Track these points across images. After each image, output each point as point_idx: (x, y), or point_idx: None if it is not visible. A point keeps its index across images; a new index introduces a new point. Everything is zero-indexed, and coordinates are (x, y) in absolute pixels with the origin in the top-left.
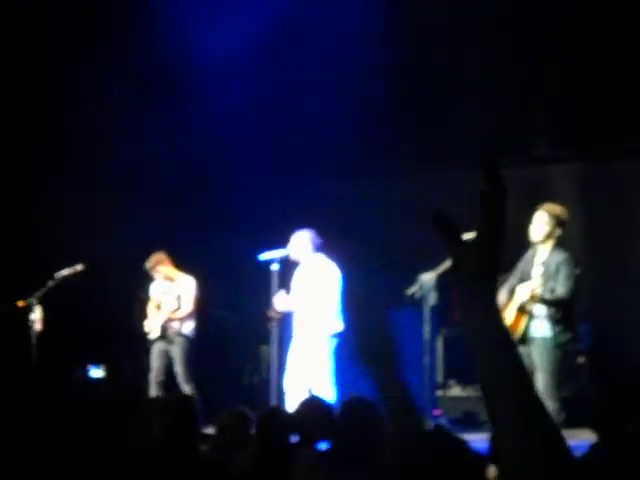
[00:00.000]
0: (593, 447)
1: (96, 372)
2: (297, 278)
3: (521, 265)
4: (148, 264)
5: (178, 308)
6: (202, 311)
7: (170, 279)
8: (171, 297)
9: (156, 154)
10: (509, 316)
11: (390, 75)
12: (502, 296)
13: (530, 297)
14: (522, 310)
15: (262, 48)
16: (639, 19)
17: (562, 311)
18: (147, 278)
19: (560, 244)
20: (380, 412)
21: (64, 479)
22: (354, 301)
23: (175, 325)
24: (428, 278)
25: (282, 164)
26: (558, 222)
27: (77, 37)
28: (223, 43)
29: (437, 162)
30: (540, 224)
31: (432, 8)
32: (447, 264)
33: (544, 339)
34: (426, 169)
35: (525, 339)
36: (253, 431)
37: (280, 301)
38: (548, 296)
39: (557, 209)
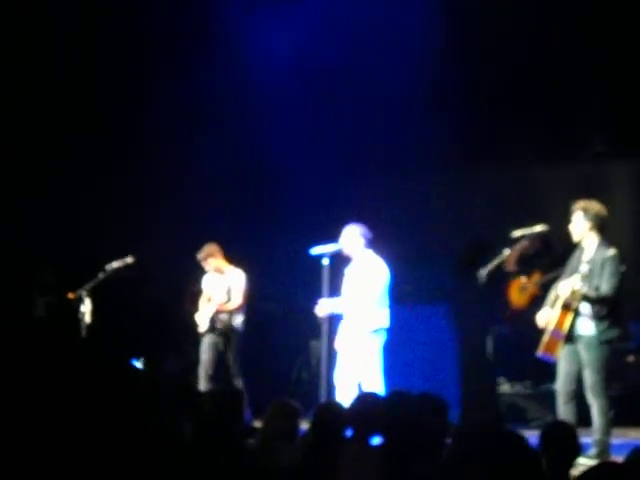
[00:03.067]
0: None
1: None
2: (348, 274)
3: (570, 263)
4: (200, 255)
5: (228, 300)
6: (252, 305)
7: (220, 271)
8: (221, 290)
9: (209, 149)
10: (555, 313)
11: (435, 72)
12: (552, 294)
13: (571, 294)
14: (567, 308)
15: (318, 52)
16: None
17: (607, 308)
18: (198, 271)
19: (607, 241)
20: (425, 406)
21: (108, 466)
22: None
23: (224, 318)
24: (480, 274)
25: (333, 161)
26: (594, 219)
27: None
28: (282, 50)
29: (485, 160)
30: (576, 223)
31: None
32: (499, 259)
33: (589, 337)
34: (474, 167)
35: (572, 337)
36: (300, 423)
37: (322, 308)
38: (592, 294)
39: (591, 205)
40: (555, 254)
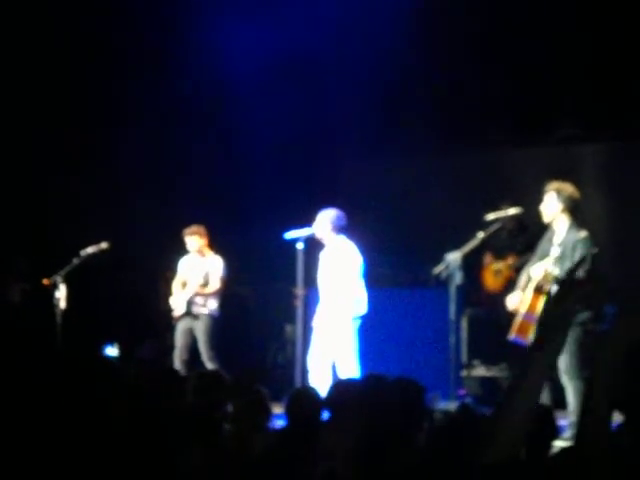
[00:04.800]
0: (619, 428)
1: (111, 350)
2: (322, 258)
3: (541, 246)
4: (187, 230)
5: (205, 285)
6: (227, 290)
7: (201, 253)
8: (198, 273)
9: (183, 137)
10: (527, 297)
11: (404, 58)
12: (523, 277)
13: (543, 277)
14: (539, 290)
15: (289, 41)
16: None
17: None
18: (173, 257)
19: (578, 223)
20: (402, 391)
21: (88, 458)
22: None
23: (200, 301)
24: (454, 257)
25: (309, 144)
26: (567, 200)
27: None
28: (253, 51)
29: (457, 144)
30: (547, 204)
31: None
32: (473, 243)
33: None
34: (451, 149)
35: None
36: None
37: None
38: (564, 276)
39: (565, 187)
40: (529, 237)
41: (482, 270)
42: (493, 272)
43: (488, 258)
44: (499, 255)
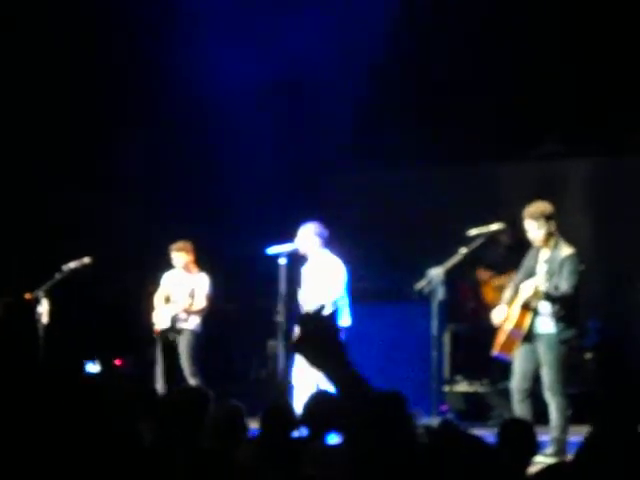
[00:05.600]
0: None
1: (92, 367)
2: (305, 272)
3: (527, 262)
4: (174, 246)
5: (191, 303)
6: (212, 307)
7: (187, 270)
8: (183, 290)
9: (163, 154)
10: (514, 313)
11: (402, 67)
12: (508, 293)
13: (533, 293)
14: (526, 307)
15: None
16: None
17: (566, 307)
18: (156, 272)
19: (564, 239)
20: (385, 402)
21: (69, 476)
22: None
23: (183, 317)
24: (437, 273)
25: (290, 160)
26: (547, 219)
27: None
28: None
29: (446, 156)
30: (532, 231)
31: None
32: (456, 259)
33: (549, 335)
34: (435, 163)
35: (530, 336)
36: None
37: None
38: (552, 292)
39: (539, 209)
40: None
41: (482, 286)
42: (494, 288)
43: (483, 274)
44: (499, 271)
